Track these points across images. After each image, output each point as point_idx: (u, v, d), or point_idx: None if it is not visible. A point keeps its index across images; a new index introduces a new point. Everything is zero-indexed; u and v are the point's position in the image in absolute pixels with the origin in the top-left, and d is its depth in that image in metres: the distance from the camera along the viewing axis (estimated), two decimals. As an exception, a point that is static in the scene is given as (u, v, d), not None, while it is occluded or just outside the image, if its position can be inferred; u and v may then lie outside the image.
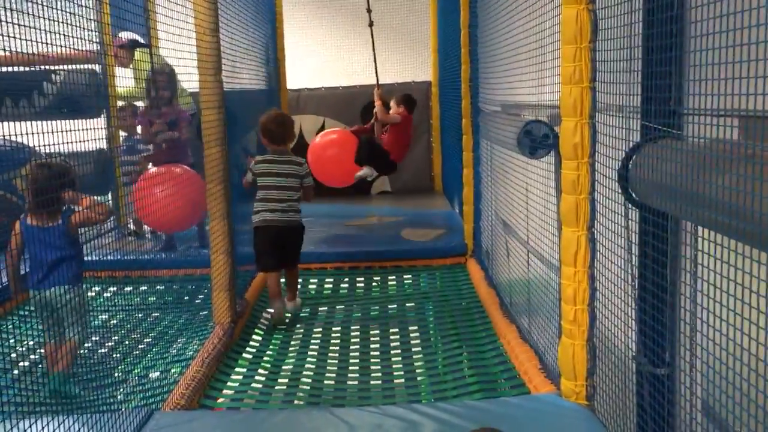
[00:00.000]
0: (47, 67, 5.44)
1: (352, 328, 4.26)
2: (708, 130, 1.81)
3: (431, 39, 7.96)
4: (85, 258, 3.39)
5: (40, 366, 3.54)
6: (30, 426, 2.16)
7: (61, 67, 5.56)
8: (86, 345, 3.54)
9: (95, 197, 3.46)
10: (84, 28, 2.58)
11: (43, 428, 2.22)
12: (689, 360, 2.09)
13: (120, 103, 5.48)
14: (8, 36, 2.01)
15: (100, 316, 4.41)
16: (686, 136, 2.09)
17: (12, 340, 3.79)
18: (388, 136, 5.81)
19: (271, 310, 4.36)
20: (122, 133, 5.65)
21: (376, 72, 6.38)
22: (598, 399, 2.62)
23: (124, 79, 5.44)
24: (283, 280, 4.54)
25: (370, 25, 6.21)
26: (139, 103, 5.60)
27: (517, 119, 3.31)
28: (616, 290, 2.45)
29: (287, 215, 4.35)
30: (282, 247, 4.36)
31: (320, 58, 8.33)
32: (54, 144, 2.51)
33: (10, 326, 4.02)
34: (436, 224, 6.17)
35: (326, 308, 4.65)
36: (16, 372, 3.49)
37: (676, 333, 2.24)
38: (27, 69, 5.24)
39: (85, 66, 5.81)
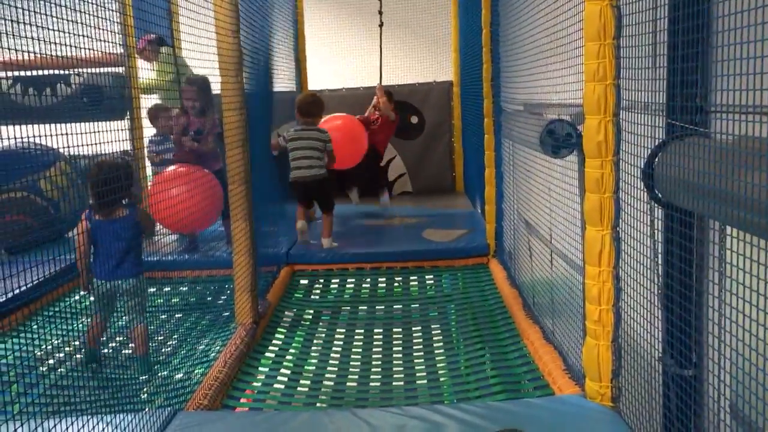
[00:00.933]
0: (75, 70, 5.50)
1: (374, 329, 4.25)
2: (735, 127, 1.78)
3: (452, 38, 7.94)
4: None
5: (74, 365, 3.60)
6: (54, 426, 2.18)
7: (83, 70, 5.63)
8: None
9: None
10: (108, 31, 2.60)
11: (67, 428, 2.24)
12: (716, 361, 2.06)
13: (153, 102, 5.49)
14: (34, 38, 2.04)
15: (125, 317, 4.44)
16: (712, 133, 2.05)
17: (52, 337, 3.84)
18: (378, 128, 6.79)
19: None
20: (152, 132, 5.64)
21: (381, 70, 6.91)
22: (624, 400, 2.58)
23: (147, 71, 5.47)
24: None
25: (380, 25, 6.80)
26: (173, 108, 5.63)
27: (539, 118, 3.29)
28: (641, 290, 2.42)
29: (312, 170, 5.49)
30: (309, 194, 5.65)
31: (341, 59, 8.34)
32: (78, 146, 2.54)
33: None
34: (458, 224, 6.15)
35: (348, 308, 4.64)
36: (61, 370, 3.54)
37: (703, 333, 2.20)
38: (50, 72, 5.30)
39: (110, 69, 5.89)
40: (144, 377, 3.48)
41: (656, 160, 2.26)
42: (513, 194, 4.64)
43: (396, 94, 8.12)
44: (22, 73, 5.36)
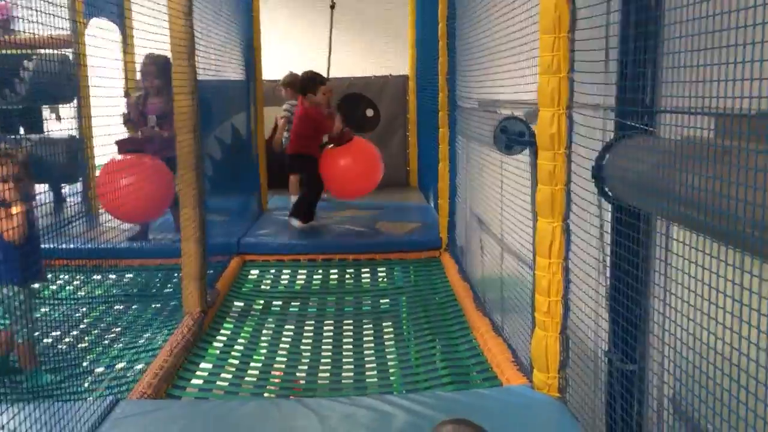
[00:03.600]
0: (22, 51, 5.32)
1: (325, 321, 4.23)
2: (682, 129, 1.81)
3: (409, 32, 7.94)
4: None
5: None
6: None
7: (34, 52, 5.45)
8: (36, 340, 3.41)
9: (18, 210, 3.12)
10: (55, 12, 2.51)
11: (5, 415, 2.16)
12: (659, 357, 2.10)
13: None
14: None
15: (65, 305, 4.33)
16: (660, 134, 2.09)
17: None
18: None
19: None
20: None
21: (329, 59, 6.65)
22: (570, 392, 2.61)
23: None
24: None
25: (332, 6, 6.35)
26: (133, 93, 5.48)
27: (493, 116, 3.30)
28: (589, 284, 2.45)
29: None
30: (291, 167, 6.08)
31: (297, 48, 8.26)
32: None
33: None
34: (412, 218, 6.16)
35: (299, 301, 4.61)
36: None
37: (646, 330, 2.24)
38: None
39: (58, 51, 5.72)
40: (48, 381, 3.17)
41: (605, 158, 2.29)
42: (466, 189, 4.66)
43: (352, 87, 8.10)
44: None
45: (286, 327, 4.13)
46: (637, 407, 2.26)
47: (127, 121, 5.05)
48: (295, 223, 5.62)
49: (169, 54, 3.73)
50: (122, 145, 4.80)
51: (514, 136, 2.94)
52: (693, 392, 1.78)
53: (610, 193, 2.31)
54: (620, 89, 2.25)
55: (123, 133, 5.05)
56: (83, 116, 6.08)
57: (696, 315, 1.73)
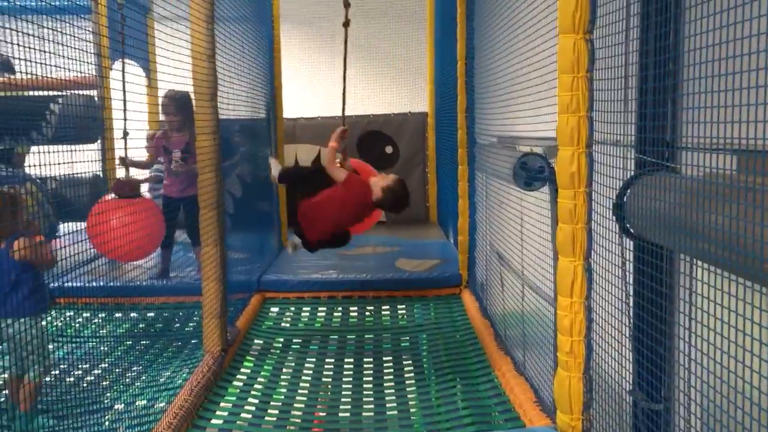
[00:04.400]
0: (50, 93, 5.44)
1: (345, 358, 4.21)
2: (705, 163, 1.80)
3: (428, 70, 8.02)
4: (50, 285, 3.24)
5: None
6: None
7: (62, 93, 5.57)
8: (47, 378, 3.36)
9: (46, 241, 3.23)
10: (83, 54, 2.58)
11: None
12: (686, 395, 2.06)
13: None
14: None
15: (87, 343, 4.35)
16: (682, 169, 2.08)
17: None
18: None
19: None
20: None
21: (344, 95, 4.80)
22: (595, 433, 2.57)
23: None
24: None
25: (346, 24, 4.66)
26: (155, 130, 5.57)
27: (512, 152, 3.31)
28: (612, 322, 2.42)
29: None
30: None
31: (317, 87, 8.37)
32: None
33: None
34: (431, 255, 6.14)
35: (319, 338, 4.59)
36: None
37: (672, 368, 2.20)
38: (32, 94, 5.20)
39: (84, 92, 5.83)
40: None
41: (627, 193, 2.28)
42: (486, 226, 4.65)
43: (372, 124, 8.17)
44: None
45: (306, 365, 4.11)
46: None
47: (124, 163, 4.98)
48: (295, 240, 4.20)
49: (190, 90, 3.79)
50: (118, 187, 4.60)
51: (533, 172, 2.94)
52: (726, 427, 1.74)
53: (631, 231, 2.30)
54: (640, 126, 2.25)
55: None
56: (107, 157, 6.18)
57: (722, 357, 1.70)
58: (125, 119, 4.70)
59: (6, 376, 3.19)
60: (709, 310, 1.77)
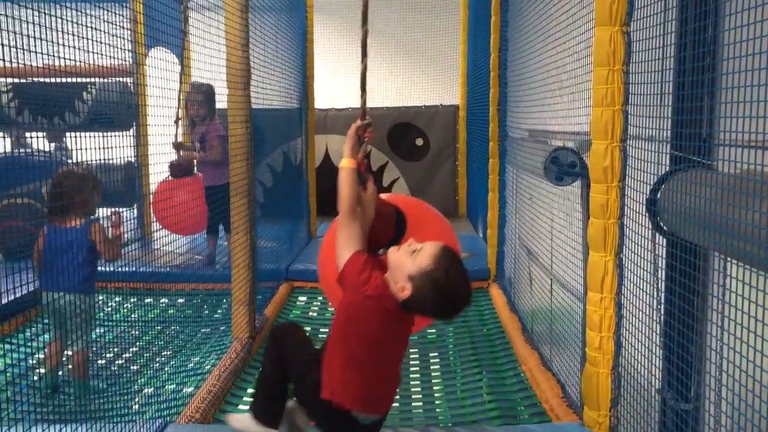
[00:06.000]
0: (83, 80, 5.52)
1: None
2: (740, 163, 1.77)
3: (461, 62, 7.97)
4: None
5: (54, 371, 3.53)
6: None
7: (95, 80, 5.65)
8: (92, 352, 3.59)
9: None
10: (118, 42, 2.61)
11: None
12: (715, 396, 2.03)
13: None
14: (51, 46, 2.04)
15: (118, 327, 4.42)
16: (717, 166, 2.05)
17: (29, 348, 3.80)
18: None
19: None
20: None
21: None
22: (622, 431, 2.54)
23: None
24: None
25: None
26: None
27: (544, 146, 3.29)
28: (642, 320, 2.39)
29: None
30: None
31: (349, 78, 8.38)
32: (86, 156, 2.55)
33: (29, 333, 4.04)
34: (460, 248, 6.12)
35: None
36: (34, 378, 3.50)
37: (702, 367, 2.17)
38: (66, 81, 5.29)
39: (118, 79, 5.91)
40: (91, 398, 3.25)
41: (661, 189, 2.25)
42: (515, 220, 4.62)
43: (402, 116, 8.15)
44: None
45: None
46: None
47: (178, 146, 5.25)
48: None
49: (215, 82, 3.84)
50: (173, 169, 5.05)
51: (565, 167, 2.92)
52: (758, 427, 1.71)
53: (664, 228, 2.27)
54: (676, 122, 2.22)
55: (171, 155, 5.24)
56: (141, 143, 6.26)
57: (755, 356, 1.67)
58: (178, 107, 4.87)
59: (54, 348, 3.40)
60: (743, 308, 1.74)
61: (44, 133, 6.24)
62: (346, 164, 2.20)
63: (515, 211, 4.60)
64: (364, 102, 2.62)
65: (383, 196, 2.49)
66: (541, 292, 3.85)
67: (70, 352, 3.41)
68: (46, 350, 3.45)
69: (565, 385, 3.11)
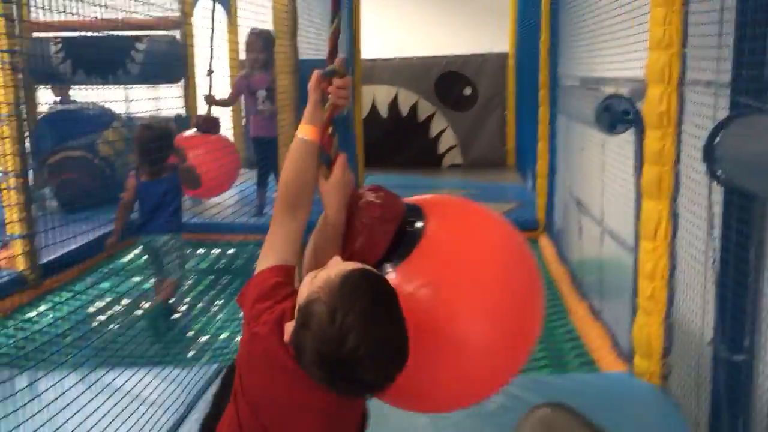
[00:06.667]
0: (133, 33, 5.57)
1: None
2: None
3: (510, 7, 7.78)
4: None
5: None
6: (110, 377, 2.24)
7: (145, 33, 5.69)
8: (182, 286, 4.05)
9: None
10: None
11: (123, 377, 2.30)
12: (771, 346, 1.99)
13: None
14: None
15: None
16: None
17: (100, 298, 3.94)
18: None
19: None
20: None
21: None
22: (673, 381, 2.53)
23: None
24: None
25: None
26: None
27: (596, 94, 3.20)
28: (695, 269, 2.35)
29: None
30: None
31: (395, 27, 8.27)
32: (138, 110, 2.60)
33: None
34: (508, 198, 6.08)
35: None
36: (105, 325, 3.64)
37: (756, 319, 2.13)
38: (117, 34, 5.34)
39: (167, 33, 5.95)
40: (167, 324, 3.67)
41: (718, 136, 2.18)
42: (565, 170, 4.55)
43: (450, 65, 8.02)
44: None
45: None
46: (745, 400, 2.16)
47: (207, 100, 5.13)
48: None
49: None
50: (200, 123, 4.78)
51: (617, 115, 2.84)
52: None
53: (721, 176, 2.20)
54: (735, 64, 2.13)
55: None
56: (188, 95, 6.33)
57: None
58: (211, 57, 4.81)
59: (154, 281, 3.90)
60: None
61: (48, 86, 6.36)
62: (301, 133, 1.48)
63: (565, 162, 4.53)
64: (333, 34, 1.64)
65: (412, 199, 1.58)
66: (590, 243, 3.81)
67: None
68: (155, 287, 3.86)
69: (615, 335, 3.10)
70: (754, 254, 2.09)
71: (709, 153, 2.18)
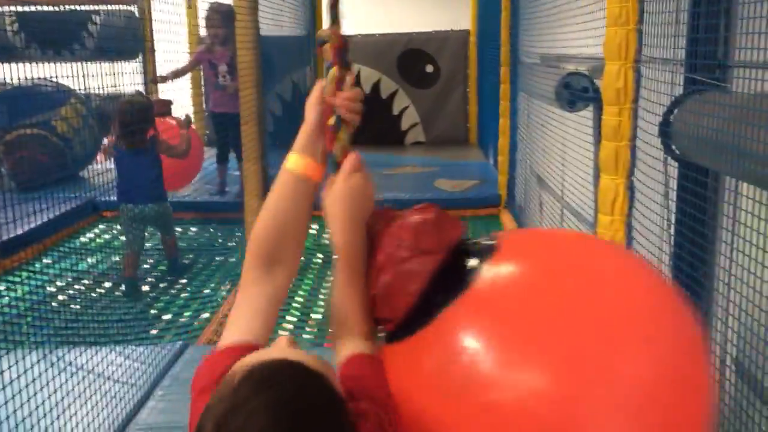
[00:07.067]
0: (88, 7, 5.45)
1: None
2: (756, 83, 1.75)
3: (471, -15, 7.79)
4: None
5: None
6: (73, 355, 2.23)
7: (100, 7, 5.57)
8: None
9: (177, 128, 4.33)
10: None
11: (86, 356, 2.28)
12: (723, 322, 2.06)
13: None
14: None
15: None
16: (732, 89, 2.02)
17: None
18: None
19: None
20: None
21: None
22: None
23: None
24: None
25: None
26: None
27: (556, 71, 3.24)
28: (653, 242, 2.41)
29: None
30: None
31: (357, 4, 8.19)
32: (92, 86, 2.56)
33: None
34: (471, 175, 6.13)
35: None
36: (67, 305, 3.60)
37: (710, 290, 2.20)
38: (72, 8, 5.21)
39: (122, 7, 5.83)
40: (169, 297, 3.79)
41: (674, 112, 2.23)
42: (526, 147, 4.61)
43: (412, 42, 8.00)
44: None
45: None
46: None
47: (159, 81, 5.14)
48: None
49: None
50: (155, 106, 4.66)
51: (577, 92, 2.89)
52: (761, 353, 1.75)
53: (677, 151, 2.26)
54: (691, 42, 2.18)
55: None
56: (147, 71, 6.21)
57: (761, 286, 1.69)
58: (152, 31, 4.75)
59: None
60: (753, 227, 1.75)
61: None
62: (291, 164, 1.11)
63: (526, 138, 4.58)
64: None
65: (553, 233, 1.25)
66: (551, 218, 3.87)
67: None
68: (124, 261, 3.94)
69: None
70: (709, 225, 2.16)
71: (665, 130, 2.24)
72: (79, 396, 2.07)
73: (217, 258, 4.46)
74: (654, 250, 2.38)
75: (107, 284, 3.90)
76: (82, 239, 4.72)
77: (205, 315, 3.47)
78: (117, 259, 4.12)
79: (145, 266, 4.26)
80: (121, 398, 2.26)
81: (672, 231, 2.33)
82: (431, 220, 1.02)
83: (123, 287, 3.86)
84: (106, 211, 4.90)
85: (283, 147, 4.54)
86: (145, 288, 3.96)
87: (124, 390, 2.31)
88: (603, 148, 2.32)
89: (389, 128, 8.08)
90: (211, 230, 5.06)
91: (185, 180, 5.06)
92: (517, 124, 4.89)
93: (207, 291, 3.88)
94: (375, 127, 7.98)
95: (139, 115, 3.83)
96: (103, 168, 4.05)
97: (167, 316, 3.58)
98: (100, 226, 5.00)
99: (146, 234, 4.11)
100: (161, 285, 4.03)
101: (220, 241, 4.90)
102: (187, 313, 3.61)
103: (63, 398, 2.01)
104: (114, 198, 3.99)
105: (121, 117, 3.86)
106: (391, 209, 1.06)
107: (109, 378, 2.28)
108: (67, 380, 2.08)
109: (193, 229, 5.06)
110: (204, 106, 6.65)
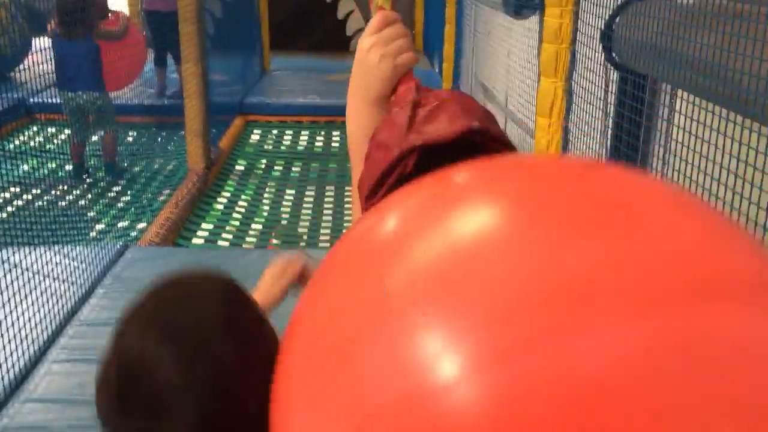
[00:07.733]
0: None
1: (326, 185, 4.28)
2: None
3: None
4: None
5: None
6: (8, 253, 2.20)
7: None
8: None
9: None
10: None
11: (31, 257, 2.26)
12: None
13: None
14: None
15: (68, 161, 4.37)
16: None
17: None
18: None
19: None
20: None
21: None
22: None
23: None
24: None
25: None
26: None
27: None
28: (590, 146, 2.48)
29: None
30: None
31: None
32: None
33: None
34: (415, 83, 6.09)
35: (301, 163, 4.65)
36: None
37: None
38: None
39: None
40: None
41: (616, 20, 2.25)
42: (472, 56, 4.59)
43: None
44: None
45: (288, 187, 4.19)
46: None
47: None
48: None
49: None
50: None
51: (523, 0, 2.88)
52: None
53: (616, 59, 2.29)
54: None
55: None
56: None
57: (697, 174, 1.75)
58: None
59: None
60: (685, 142, 1.82)
61: None
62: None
63: (472, 48, 4.56)
64: None
65: None
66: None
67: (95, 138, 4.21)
68: (71, 149, 4.03)
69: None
70: (644, 137, 2.22)
71: (607, 37, 2.26)
72: (18, 291, 2.05)
73: (156, 162, 4.39)
74: (591, 154, 2.45)
75: (44, 186, 3.81)
76: (17, 142, 4.56)
77: (145, 221, 3.44)
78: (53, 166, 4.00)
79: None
80: (61, 295, 2.26)
81: (610, 135, 2.39)
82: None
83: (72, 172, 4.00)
84: (39, 113, 4.72)
85: (226, 50, 4.44)
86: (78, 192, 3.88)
87: (64, 287, 2.30)
88: (543, 50, 2.34)
89: (333, 33, 7.91)
90: (150, 134, 4.95)
91: (130, 77, 4.85)
92: (462, 31, 4.85)
93: (147, 196, 3.84)
94: (319, 31, 7.81)
95: (77, 4, 3.78)
96: (36, 70, 3.86)
97: (106, 219, 3.54)
98: (34, 128, 4.83)
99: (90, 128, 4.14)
100: (100, 187, 3.96)
101: (160, 145, 4.81)
102: (126, 218, 3.57)
103: (1, 293, 1.99)
104: (48, 101, 3.92)
105: (60, 3, 3.81)
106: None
107: (47, 276, 2.26)
108: (3, 276, 2.06)
109: (132, 132, 4.94)
110: (139, 5, 6.37)
